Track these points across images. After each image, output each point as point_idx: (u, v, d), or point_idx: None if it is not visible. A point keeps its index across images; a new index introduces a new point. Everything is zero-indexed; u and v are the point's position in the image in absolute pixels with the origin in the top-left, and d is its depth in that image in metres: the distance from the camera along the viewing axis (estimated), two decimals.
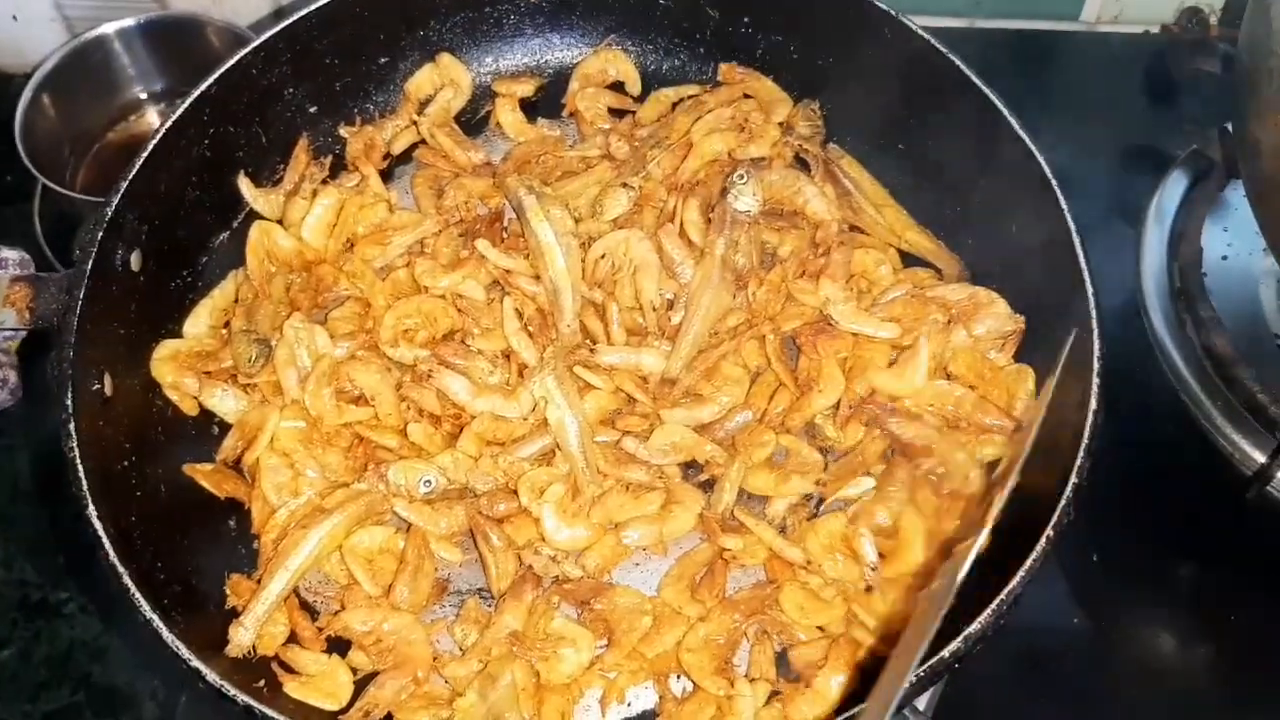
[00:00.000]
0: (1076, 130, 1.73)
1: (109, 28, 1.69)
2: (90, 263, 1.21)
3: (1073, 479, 1.10)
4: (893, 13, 1.38)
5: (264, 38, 1.37)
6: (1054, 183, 1.25)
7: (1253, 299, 1.48)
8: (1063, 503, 1.09)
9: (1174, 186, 1.55)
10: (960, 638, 1.03)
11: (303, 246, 1.41)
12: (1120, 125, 1.73)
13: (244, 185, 1.43)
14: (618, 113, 1.55)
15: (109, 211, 1.24)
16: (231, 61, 1.34)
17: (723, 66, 1.54)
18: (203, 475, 1.29)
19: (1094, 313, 1.19)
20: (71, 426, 1.15)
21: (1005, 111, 1.30)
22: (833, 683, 1.13)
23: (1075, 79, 1.83)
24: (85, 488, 1.13)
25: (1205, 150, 1.55)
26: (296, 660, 1.19)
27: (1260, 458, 1.32)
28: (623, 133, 1.49)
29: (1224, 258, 1.51)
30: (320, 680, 1.18)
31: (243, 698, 1.04)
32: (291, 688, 1.16)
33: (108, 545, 1.10)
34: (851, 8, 1.42)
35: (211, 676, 1.05)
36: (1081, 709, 1.32)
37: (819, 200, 1.41)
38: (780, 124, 1.49)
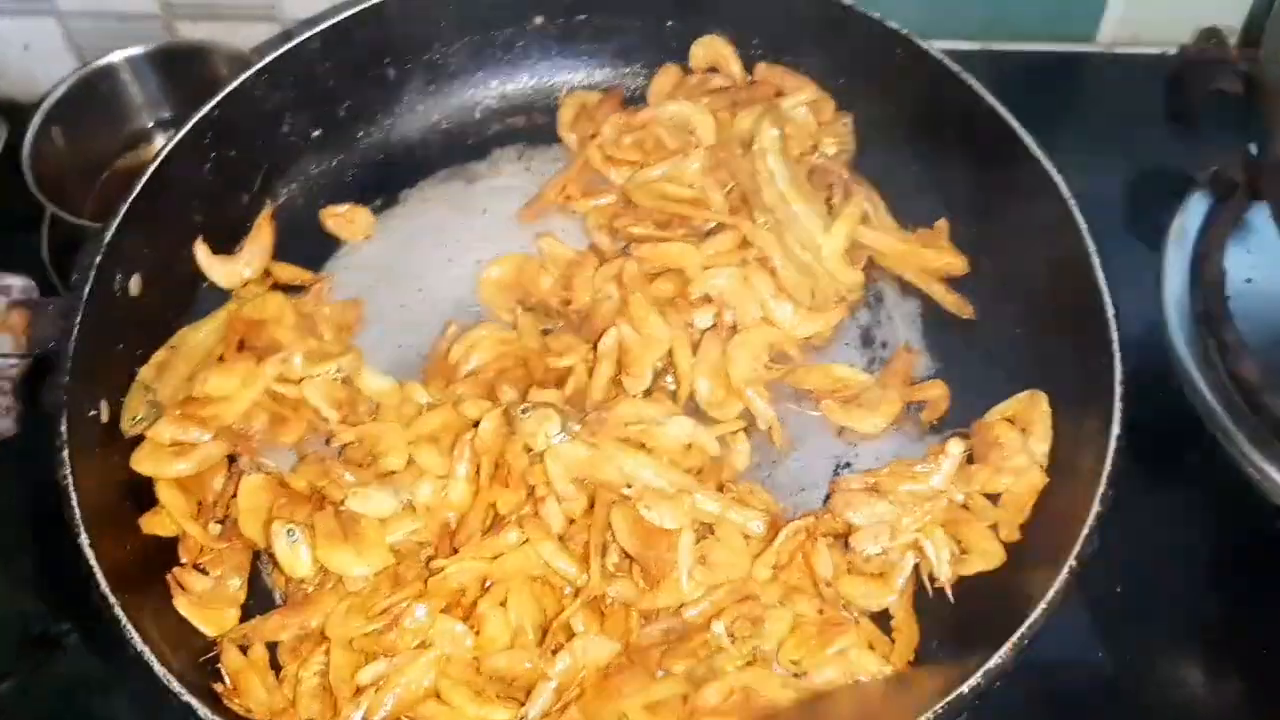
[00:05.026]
0: (1095, 153, 1.69)
1: (117, 56, 1.69)
2: (88, 287, 1.20)
3: (1095, 507, 1.06)
4: (904, 32, 1.37)
5: (265, 61, 1.36)
6: (1071, 203, 1.22)
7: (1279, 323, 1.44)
8: (1085, 531, 1.05)
9: (1195, 209, 1.51)
10: (980, 672, 0.99)
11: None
12: (1140, 147, 1.70)
13: (200, 252, 1.37)
14: None
15: (108, 235, 1.23)
16: (233, 85, 1.33)
17: (760, 66, 1.51)
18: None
19: (1114, 336, 1.16)
20: (66, 453, 1.13)
21: (1020, 130, 1.28)
22: None
23: (1093, 101, 1.80)
24: (78, 515, 1.10)
25: (1227, 172, 1.52)
26: (190, 581, 1.19)
27: None
28: None
29: (1248, 280, 1.46)
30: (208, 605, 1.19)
31: None
32: (181, 604, 1.17)
33: (99, 574, 1.08)
34: (866, 29, 1.40)
35: (203, 711, 1.02)
36: None
37: None
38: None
